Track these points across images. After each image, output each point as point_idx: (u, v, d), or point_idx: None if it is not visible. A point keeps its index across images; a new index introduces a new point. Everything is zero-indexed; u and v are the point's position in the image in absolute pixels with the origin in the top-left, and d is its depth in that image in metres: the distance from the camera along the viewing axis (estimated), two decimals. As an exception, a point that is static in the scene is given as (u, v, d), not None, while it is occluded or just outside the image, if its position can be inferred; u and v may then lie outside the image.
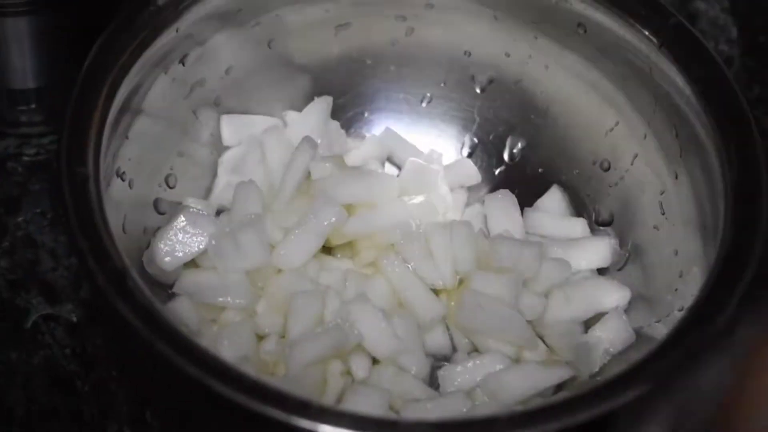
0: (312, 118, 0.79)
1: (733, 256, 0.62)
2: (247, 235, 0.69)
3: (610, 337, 0.70)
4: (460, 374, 0.69)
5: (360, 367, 0.69)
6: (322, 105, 0.80)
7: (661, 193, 0.73)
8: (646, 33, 0.71)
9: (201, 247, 0.70)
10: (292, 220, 0.72)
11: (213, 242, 0.70)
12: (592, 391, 0.57)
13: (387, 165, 0.81)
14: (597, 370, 0.69)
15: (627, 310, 0.72)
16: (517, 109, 0.80)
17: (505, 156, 0.81)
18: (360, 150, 0.80)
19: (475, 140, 0.81)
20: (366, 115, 0.82)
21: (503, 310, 0.70)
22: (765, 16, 0.95)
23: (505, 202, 0.76)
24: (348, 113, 0.81)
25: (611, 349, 0.70)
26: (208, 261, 0.71)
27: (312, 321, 0.69)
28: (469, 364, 0.69)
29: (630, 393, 0.56)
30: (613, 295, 0.72)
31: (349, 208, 0.73)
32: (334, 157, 0.75)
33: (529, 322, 0.71)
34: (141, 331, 0.57)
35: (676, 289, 0.69)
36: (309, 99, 0.80)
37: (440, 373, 0.70)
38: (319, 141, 0.77)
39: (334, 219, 0.71)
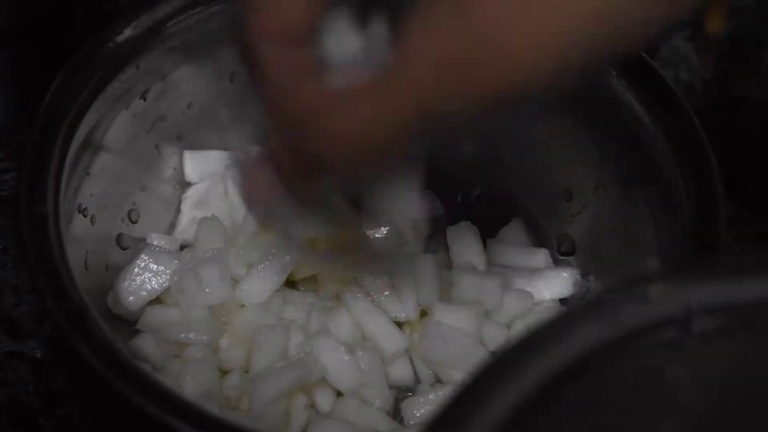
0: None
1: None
2: (209, 271, 0.69)
3: None
4: (423, 405, 0.69)
5: (324, 400, 0.69)
6: None
7: (623, 223, 0.73)
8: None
9: (164, 284, 0.70)
10: (256, 256, 0.72)
11: (175, 278, 0.70)
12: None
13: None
14: None
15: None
16: (478, 140, 0.80)
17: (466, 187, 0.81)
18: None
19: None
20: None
21: (466, 341, 0.70)
22: (725, 44, 0.95)
23: (467, 233, 0.77)
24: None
25: None
26: (171, 297, 0.71)
27: (276, 355, 0.69)
28: (431, 396, 0.69)
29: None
30: None
31: (313, 241, 0.73)
32: None
33: (492, 353, 0.71)
34: (100, 370, 0.57)
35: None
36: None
37: (403, 405, 0.70)
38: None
39: (296, 255, 0.71)
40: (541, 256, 0.77)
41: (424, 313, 0.73)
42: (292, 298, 0.73)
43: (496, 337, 0.71)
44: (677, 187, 0.67)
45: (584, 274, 0.76)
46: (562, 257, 0.78)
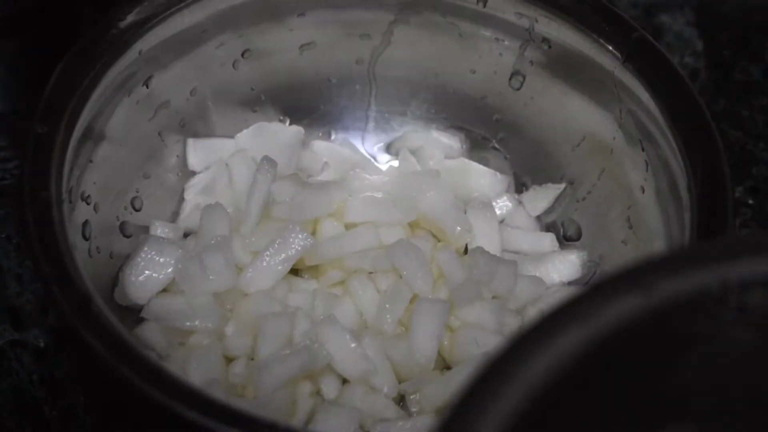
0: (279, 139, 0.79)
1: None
2: (214, 258, 0.69)
3: None
4: (431, 393, 0.68)
5: (329, 387, 0.68)
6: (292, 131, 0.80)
7: (628, 208, 0.73)
8: (610, 48, 0.71)
9: (170, 275, 0.70)
10: (261, 244, 0.71)
11: (179, 266, 0.69)
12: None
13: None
14: None
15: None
16: (483, 126, 0.80)
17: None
18: (327, 174, 0.80)
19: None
20: (332, 135, 0.82)
21: (495, 338, 0.69)
22: (730, 29, 0.95)
23: (485, 215, 0.76)
24: (313, 133, 0.81)
25: None
26: (175, 285, 0.70)
27: (281, 342, 0.68)
28: (439, 384, 0.69)
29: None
30: None
31: (317, 222, 0.73)
32: (291, 175, 0.75)
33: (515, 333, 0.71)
34: (105, 357, 0.57)
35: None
36: (274, 119, 0.80)
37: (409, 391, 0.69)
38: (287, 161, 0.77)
39: (301, 246, 0.70)
40: (547, 241, 0.77)
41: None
42: (296, 285, 0.73)
43: (510, 323, 0.71)
44: (684, 172, 0.67)
45: (590, 258, 0.75)
46: (567, 242, 0.77)
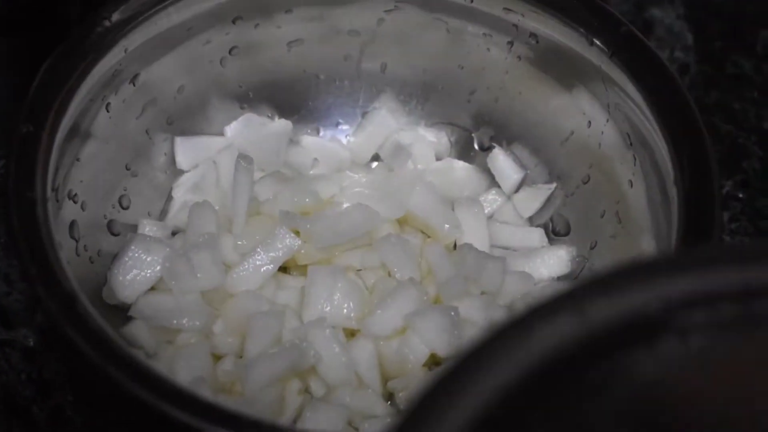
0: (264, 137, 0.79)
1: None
2: (202, 256, 0.69)
3: None
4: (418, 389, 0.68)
5: (318, 385, 0.68)
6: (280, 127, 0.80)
7: (617, 202, 0.73)
8: (598, 42, 0.71)
9: (158, 274, 0.70)
10: (250, 243, 0.71)
11: (167, 264, 0.69)
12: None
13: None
14: None
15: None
16: (472, 121, 0.80)
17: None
18: (317, 171, 0.80)
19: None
20: (321, 131, 0.82)
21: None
22: (720, 23, 0.95)
23: (473, 211, 0.76)
24: (302, 129, 0.81)
25: None
26: (163, 284, 0.70)
27: (270, 341, 0.68)
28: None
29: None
30: None
31: (305, 211, 0.73)
32: (274, 173, 0.75)
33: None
34: (92, 356, 0.57)
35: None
36: (263, 116, 0.80)
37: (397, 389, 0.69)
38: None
39: (288, 248, 0.71)
40: (536, 236, 0.77)
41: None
42: (285, 282, 0.73)
43: (499, 318, 0.71)
44: (671, 167, 0.66)
45: (579, 254, 0.75)
46: (556, 237, 0.77)
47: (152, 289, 0.71)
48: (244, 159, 0.73)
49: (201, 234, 0.71)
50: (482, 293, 0.72)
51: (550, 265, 0.75)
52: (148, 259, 0.70)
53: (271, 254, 0.71)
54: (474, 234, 0.75)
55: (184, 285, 0.69)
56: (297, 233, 0.71)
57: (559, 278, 0.75)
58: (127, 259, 0.70)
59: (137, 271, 0.70)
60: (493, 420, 0.35)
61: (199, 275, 0.69)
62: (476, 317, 0.70)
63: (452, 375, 0.36)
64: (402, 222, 0.75)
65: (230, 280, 0.70)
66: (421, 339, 0.68)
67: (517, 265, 0.75)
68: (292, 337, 0.68)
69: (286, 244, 0.71)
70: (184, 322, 0.69)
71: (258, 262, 0.71)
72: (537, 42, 0.74)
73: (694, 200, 0.65)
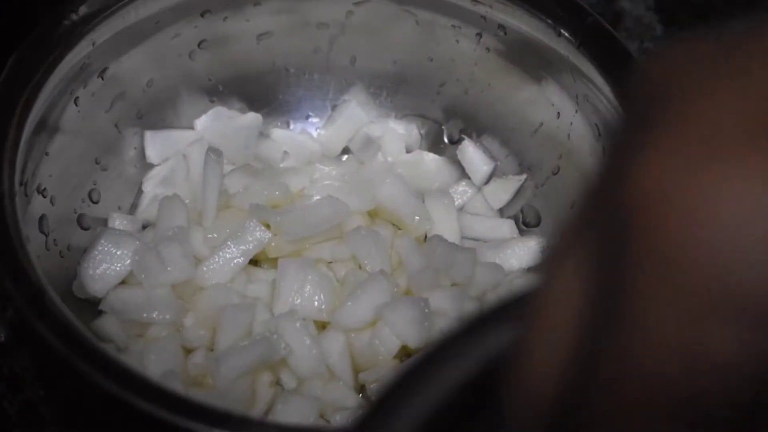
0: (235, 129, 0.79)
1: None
2: (171, 249, 0.69)
3: None
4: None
5: (289, 377, 0.68)
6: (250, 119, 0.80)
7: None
8: (565, 33, 0.71)
9: (128, 267, 0.70)
10: (220, 236, 0.71)
11: (137, 258, 0.69)
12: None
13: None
14: None
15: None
16: (442, 113, 0.80)
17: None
18: (287, 164, 0.80)
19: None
20: (291, 124, 0.82)
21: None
22: (689, 13, 0.95)
23: (442, 203, 0.76)
24: (272, 122, 0.81)
25: None
26: (133, 277, 0.70)
27: (241, 334, 0.68)
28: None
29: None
30: None
31: (275, 204, 0.73)
32: (244, 166, 0.75)
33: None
34: (60, 350, 0.57)
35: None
36: (233, 109, 0.80)
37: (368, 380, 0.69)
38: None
39: (258, 241, 0.71)
40: (506, 227, 0.77)
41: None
42: (255, 275, 0.73)
43: (470, 310, 0.71)
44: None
45: (549, 243, 0.75)
46: (527, 228, 0.78)
47: (122, 282, 0.70)
48: (213, 152, 0.73)
49: (171, 227, 0.71)
50: (453, 285, 0.72)
51: (521, 256, 0.75)
52: (118, 253, 0.70)
53: (242, 247, 0.71)
54: (444, 226, 0.76)
55: (154, 278, 0.69)
56: (267, 226, 0.71)
57: (529, 269, 0.75)
58: (96, 253, 0.70)
59: (107, 265, 0.69)
60: None
61: (169, 268, 0.69)
62: (447, 309, 0.70)
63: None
64: (372, 214, 0.75)
65: (200, 273, 0.70)
66: (392, 331, 0.68)
67: (488, 256, 0.75)
68: (263, 330, 0.68)
69: (256, 237, 0.71)
70: (155, 315, 0.68)
71: (228, 255, 0.71)
72: (505, 34, 0.74)
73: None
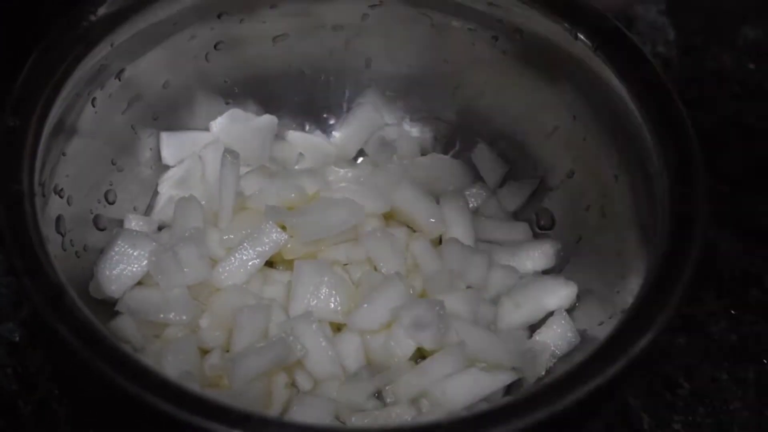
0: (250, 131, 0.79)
1: (671, 258, 0.62)
2: (188, 250, 0.69)
3: (556, 340, 0.71)
4: (405, 383, 0.68)
5: (304, 378, 0.68)
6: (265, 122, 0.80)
7: (602, 196, 0.73)
8: (581, 36, 0.71)
9: (144, 268, 0.70)
10: (236, 237, 0.71)
11: (153, 259, 0.69)
12: (533, 395, 0.57)
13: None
14: (543, 374, 0.69)
15: (571, 312, 0.72)
16: (456, 116, 0.80)
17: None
18: (303, 165, 0.80)
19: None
20: (306, 126, 0.82)
21: (479, 332, 0.69)
22: (701, 18, 0.95)
23: (457, 206, 0.76)
24: (288, 124, 0.81)
25: (557, 352, 0.70)
26: (150, 278, 0.70)
27: (257, 335, 0.68)
28: (413, 374, 0.69)
29: (572, 396, 0.56)
30: (560, 292, 0.73)
31: (290, 206, 0.73)
32: (259, 168, 0.75)
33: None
34: (78, 349, 0.57)
35: (618, 291, 0.69)
36: (248, 111, 0.80)
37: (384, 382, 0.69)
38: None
39: (275, 243, 0.71)
40: (521, 230, 0.77)
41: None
42: (271, 277, 0.73)
43: (485, 313, 0.71)
44: (656, 160, 0.67)
45: (564, 247, 0.75)
46: (541, 231, 0.78)
47: (139, 283, 0.71)
48: (230, 154, 0.73)
49: (187, 228, 0.71)
50: (467, 287, 0.72)
51: (535, 258, 0.76)
52: (135, 254, 0.70)
53: (258, 249, 0.71)
54: (459, 228, 0.76)
55: (170, 280, 0.69)
56: (283, 228, 0.71)
57: (543, 272, 0.75)
58: (113, 254, 0.70)
59: (124, 266, 0.70)
60: None
61: (185, 269, 0.69)
62: (462, 311, 0.71)
63: None
64: (387, 216, 0.76)
65: (216, 275, 0.70)
66: (407, 333, 0.68)
67: (502, 258, 0.75)
68: (279, 332, 0.68)
69: (272, 238, 0.71)
70: (171, 316, 0.69)
71: (244, 257, 0.71)
72: (521, 37, 0.74)
73: (679, 194, 0.65)
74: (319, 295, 0.70)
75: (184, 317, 0.69)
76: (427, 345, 0.69)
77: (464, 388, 0.67)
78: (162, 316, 0.69)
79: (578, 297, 0.73)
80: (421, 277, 0.72)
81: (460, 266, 0.72)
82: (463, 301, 0.71)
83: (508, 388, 0.70)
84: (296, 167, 0.79)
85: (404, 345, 0.69)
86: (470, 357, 0.69)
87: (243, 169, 0.76)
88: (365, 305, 0.69)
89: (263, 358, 0.66)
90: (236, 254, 0.71)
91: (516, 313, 0.72)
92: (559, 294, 0.73)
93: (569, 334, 0.71)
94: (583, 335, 0.70)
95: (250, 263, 0.71)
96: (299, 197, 0.73)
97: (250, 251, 0.71)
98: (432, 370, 0.68)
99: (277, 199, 0.73)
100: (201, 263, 0.69)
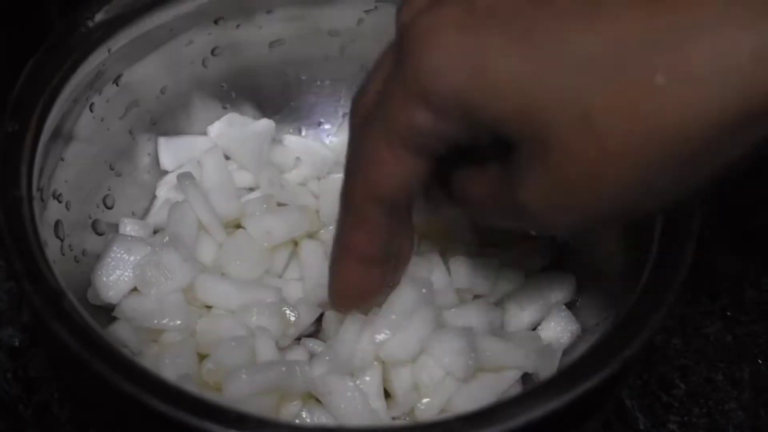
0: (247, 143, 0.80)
1: (665, 258, 0.63)
2: (169, 256, 0.69)
3: (559, 334, 0.71)
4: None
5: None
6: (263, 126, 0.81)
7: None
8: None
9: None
10: (229, 260, 0.72)
11: (138, 272, 0.69)
12: (525, 395, 0.58)
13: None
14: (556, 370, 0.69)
15: (573, 308, 0.73)
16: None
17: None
18: (300, 170, 0.81)
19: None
20: (303, 131, 0.82)
21: (496, 343, 0.69)
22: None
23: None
24: (284, 129, 0.82)
25: (562, 343, 0.70)
26: (145, 286, 0.70)
27: (242, 363, 0.66)
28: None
29: (564, 398, 0.57)
30: (560, 286, 0.73)
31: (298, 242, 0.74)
32: (265, 196, 0.76)
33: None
34: (78, 352, 0.57)
35: (613, 293, 0.69)
36: (245, 115, 0.81)
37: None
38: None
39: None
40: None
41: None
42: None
43: (492, 318, 0.71)
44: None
45: (558, 248, 0.76)
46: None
47: (135, 289, 0.71)
48: (186, 177, 0.73)
49: (178, 233, 0.71)
50: (475, 297, 0.72)
51: (536, 255, 0.75)
52: (131, 259, 0.70)
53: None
54: (460, 231, 0.75)
55: (159, 288, 0.69)
56: None
57: (544, 269, 0.75)
58: (109, 259, 0.70)
59: (120, 272, 0.70)
60: None
61: (170, 275, 0.69)
62: (476, 323, 0.70)
63: None
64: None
65: (207, 294, 0.71)
66: (436, 363, 0.67)
67: (503, 260, 0.75)
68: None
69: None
70: (165, 322, 0.69)
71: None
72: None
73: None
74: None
75: (179, 322, 0.69)
76: (460, 375, 0.66)
77: (472, 397, 0.66)
78: (156, 321, 0.69)
79: (576, 297, 0.73)
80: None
81: (468, 285, 0.71)
82: (476, 312, 0.70)
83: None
84: (293, 171, 0.79)
85: (434, 374, 0.67)
86: (489, 368, 0.68)
87: (241, 173, 0.77)
88: (397, 336, 0.66)
89: (258, 379, 0.64)
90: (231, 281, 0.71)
91: (522, 315, 0.73)
92: (560, 287, 0.73)
93: (571, 325, 0.71)
94: (587, 329, 0.71)
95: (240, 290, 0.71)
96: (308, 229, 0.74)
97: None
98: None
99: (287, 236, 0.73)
100: (186, 265, 0.69)
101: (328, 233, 0.74)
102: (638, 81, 0.46)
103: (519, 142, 0.50)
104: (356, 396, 0.65)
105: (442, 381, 0.67)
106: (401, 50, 0.52)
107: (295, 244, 0.74)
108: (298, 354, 0.70)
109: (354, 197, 0.58)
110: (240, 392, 0.63)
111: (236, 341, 0.67)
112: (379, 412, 0.66)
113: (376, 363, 0.67)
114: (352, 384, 0.65)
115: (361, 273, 0.61)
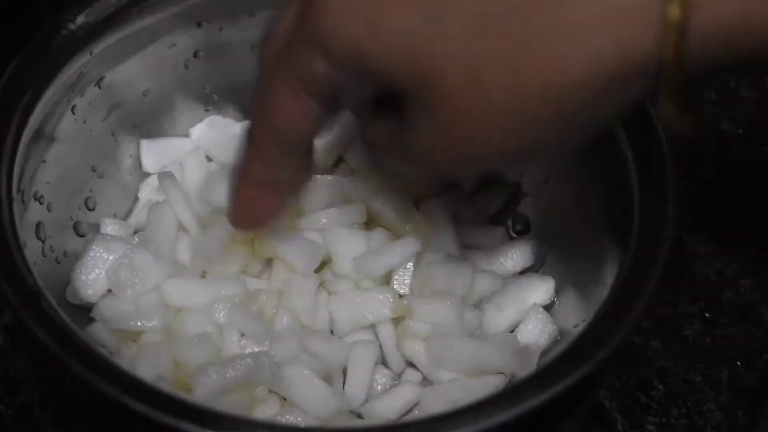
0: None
1: (640, 260, 0.63)
2: (141, 257, 0.69)
3: (537, 336, 0.71)
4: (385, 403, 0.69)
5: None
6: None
7: (577, 202, 0.74)
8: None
9: None
10: (206, 259, 0.72)
11: (111, 276, 0.70)
12: (501, 395, 0.58)
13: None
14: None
15: (551, 310, 0.73)
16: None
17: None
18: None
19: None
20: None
21: (471, 344, 0.70)
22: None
23: (438, 210, 0.76)
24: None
25: (540, 345, 0.71)
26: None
27: (206, 361, 0.67)
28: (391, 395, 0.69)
29: (539, 398, 0.57)
30: (538, 288, 0.73)
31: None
32: None
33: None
34: (56, 352, 0.57)
35: (592, 295, 0.69)
36: (228, 118, 0.81)
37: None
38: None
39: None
40: (498, 234, 0.78)
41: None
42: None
43: (470, 319, 0.72)
44: (630, 162, 0.67)
45: (539, 251, 0.76)
46: (517, 236, 0.78)
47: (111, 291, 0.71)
48: (167, 176, 0.74)
49: (159, 233, 0.71)
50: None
51: (515, 258, 0.76)
52: (110, 258, 0.70)
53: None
54: (441, 235, 0.76)
55: (133, 290, 0.69)
56: None
57: (523, 271, 0.76)
58: (88, 258, 0.70)
59: (99, 271, 0.70)
60: None
61: (143, 276, 0.69)
62: (449, 321, 0.70)
63: None
64: (369, 221, 0.76)
65: (175, 297, 0.71)
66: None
67: (482, 263, 0.76)
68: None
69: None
70: (140, 323, 0.69)
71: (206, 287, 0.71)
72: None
73: (652, 200, 0.65)
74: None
75: (155, 323, 0.69)
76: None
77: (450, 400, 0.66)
78: (132, 323, 0.69)
79: (555, 299, 0.74)
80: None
81: (446, 285, 0.72)
82: (448, 310, 0.71)
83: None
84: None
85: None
86: (466, 371, 0.69)
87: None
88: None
89: (226, 374, 0.64)
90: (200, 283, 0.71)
91: (500, 316, 0.73)
92: (538, 290, 0.73)
93: (548, 327, 0.71)
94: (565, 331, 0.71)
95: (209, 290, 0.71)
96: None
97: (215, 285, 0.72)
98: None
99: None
100: (158, 264, 0.70)
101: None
102: (521, 38, 0.50)
103: (410, 96, 0.54)
104: (314, 383, 0.66)
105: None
106: (306, 3, 0.56)
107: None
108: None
109: (257, 135, 0.62)
110: (210, 388, 0.64)
111: (198, 338, 0.68)
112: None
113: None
114: (308, 372, 0.66)
115: (257, 197, 0.65)
